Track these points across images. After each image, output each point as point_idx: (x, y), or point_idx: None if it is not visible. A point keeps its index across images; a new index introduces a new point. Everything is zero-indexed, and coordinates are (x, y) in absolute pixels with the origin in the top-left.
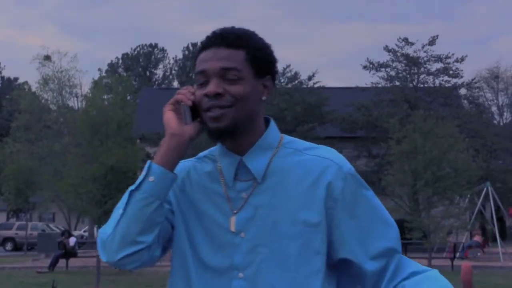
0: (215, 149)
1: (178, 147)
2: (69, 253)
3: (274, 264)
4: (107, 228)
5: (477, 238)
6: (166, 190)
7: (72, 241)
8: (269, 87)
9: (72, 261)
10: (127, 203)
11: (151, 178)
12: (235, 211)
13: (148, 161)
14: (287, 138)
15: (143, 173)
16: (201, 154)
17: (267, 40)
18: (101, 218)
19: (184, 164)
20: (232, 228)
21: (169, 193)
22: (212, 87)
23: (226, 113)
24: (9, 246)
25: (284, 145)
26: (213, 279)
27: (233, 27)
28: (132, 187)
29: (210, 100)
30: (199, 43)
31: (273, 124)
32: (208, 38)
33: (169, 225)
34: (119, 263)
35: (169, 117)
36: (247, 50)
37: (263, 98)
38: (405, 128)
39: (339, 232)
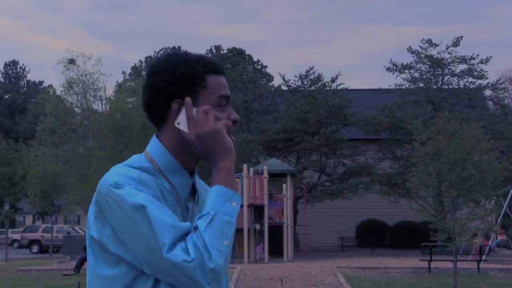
0: (144, 160)
1: None
2: None
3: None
4: (219, 259)
5: (502, 237)
6: None
7: None
8: None
9: None
10: (233, 235)
11: (238, 207)
12: None
13: (236, 193)
14: None
15: (234, 203)
16: (139, 165)
17: (293, 43)
18: None
19: (148, 179)
20: None
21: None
22: (236, 115)
23: None
24: (35, 248)
25: None
26: None
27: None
28: (232, 218)
29: (233, 126)
30: (203, 65)
31: None
32: (216, 64)
33: None
34: None
35: (231, 142)
36: None
37: None
38: (429, 130)
39: None
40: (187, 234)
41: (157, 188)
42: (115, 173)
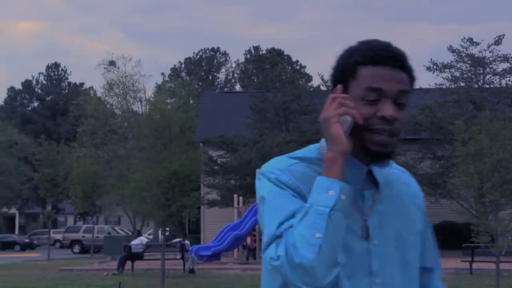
0: (319, 152)
1: (344, 164)
2: (132, 254)
3: (400, 272)
4: (304, 253)
5: None
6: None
7: (134, 242)
8: None
9: (138, 264)
10: (326, 226)
11: (343, 197)
12: (365, 219)
13: (334, 180)
14: None
15: (331, 191)
16: (302, 155)
17: (332, 42)
18: (165, 221)
19: (302, 170)
20: (366, 235)
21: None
22: (391, 111)
23: (392, 141)
24: (76, 248)
25: None
26: (350, 284)
27: (391, 44)
28: (326, 208)
29: (383, 123)
30: (362, 56)
31: None
32: (379, 54)
33: None
34: (326, 287)
35: (339, 131)
36: (410, 74)
37: None
38: (470, 129)
39: (429, 242)
40: None
41: (310, 179)
42: (268, 163)
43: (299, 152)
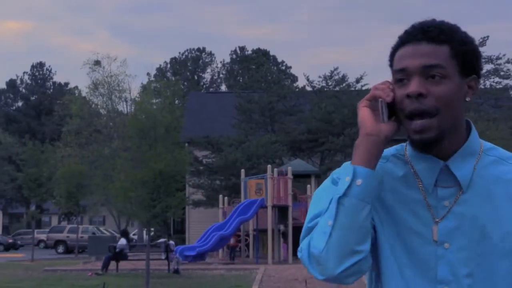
0: (402, 148)
1: (375, 147)
2: (117, 254)
3: (480, 280)
4: (316, 242)
5: None
6: (374, 193)
7: (119, 242)
8: (474, 88)
9: (122, 264)
10: (336, 212)
11: (358, 182)
12: (437, 220)
13: (348, 165)
14: (487, 144)
15: (347, 177)
16: (387, 153)
17: (319, 43)
18: (150, 222)
19: (380, 164)
20: (435, 238)
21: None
22: (414, 87)
23: (430, 125)
24: (61, 248)
25: (485, 152)
26: None
27: (434, 20)
28: (337, 195)
29: (411, 102)
30: (398, 39)
31: (474, 128)
32: (407, 32)
33: (372, 229)
34: (339, 276)
35: (364, 114)
36: (451, 45)
37: (467, 99)
38: None
39: None
40: None
41: (380, 173)
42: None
43: (389, 148)
